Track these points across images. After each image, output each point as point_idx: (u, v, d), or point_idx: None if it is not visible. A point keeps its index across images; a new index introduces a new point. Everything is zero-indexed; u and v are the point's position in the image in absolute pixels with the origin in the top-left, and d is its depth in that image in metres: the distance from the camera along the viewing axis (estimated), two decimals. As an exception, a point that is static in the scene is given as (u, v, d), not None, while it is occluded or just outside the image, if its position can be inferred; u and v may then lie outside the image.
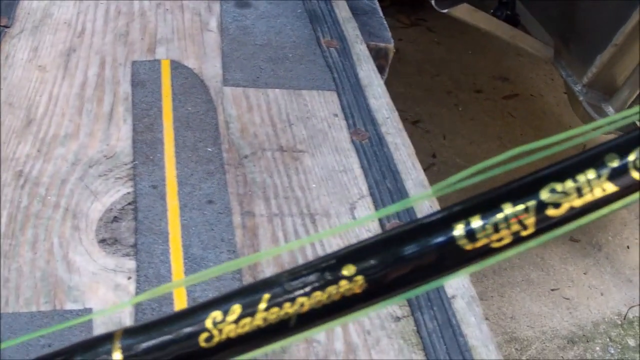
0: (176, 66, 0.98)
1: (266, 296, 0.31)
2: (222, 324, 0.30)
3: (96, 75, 0.96)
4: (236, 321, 0.30)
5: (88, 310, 0.69)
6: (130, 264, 0.74)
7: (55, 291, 0.70)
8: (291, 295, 0.31)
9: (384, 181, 0.84)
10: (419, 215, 0.80)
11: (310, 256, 0.75)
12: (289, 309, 0.30)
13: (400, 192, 0.82)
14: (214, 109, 0.92)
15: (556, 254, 1.92)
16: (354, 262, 0.30)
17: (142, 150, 0.85)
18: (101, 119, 0.90)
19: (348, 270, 0.30)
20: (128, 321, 0.69)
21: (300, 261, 0.74)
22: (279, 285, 0.31)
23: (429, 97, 2.32)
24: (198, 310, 0.31)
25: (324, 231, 0.72)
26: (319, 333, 0.55)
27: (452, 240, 0.29)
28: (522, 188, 0.29)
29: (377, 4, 1.23)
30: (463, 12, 1.46)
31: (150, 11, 1.09)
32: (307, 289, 0.31)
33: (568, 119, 2.24)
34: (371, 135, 0.91)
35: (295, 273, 0.31)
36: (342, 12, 1.15)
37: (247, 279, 0.73)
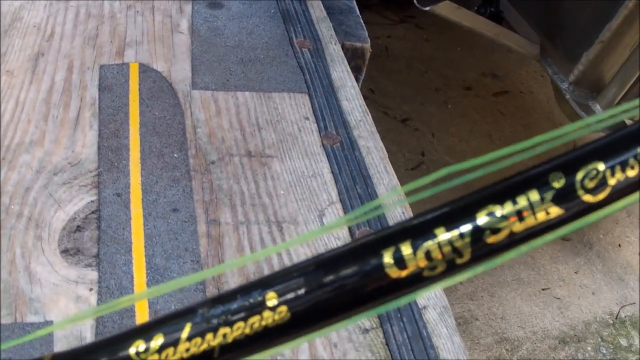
0: (144, 70, 0.96)
1: (188, 326, 0.29)
2: (145, 353, 0.29)
3: (63, 80, 0.94)
4: (158, 351, 0.29)
5: (49, 323, 0.68)
6: (92, 274, 0.72)
7: (17, 303, 0.69)
8: (212, 326, 0.29)
9: (354, 186, 0.82)
10: (390, 221, 0.77)
11: (277, 265, 0.73)
12: (211, 340, 0.28)
13: (371, 197, 0.80)
14: (181, 113, 0.90)
15: (547, 253, 1.90)
16: (278, 290, 0.28)
17: (107, 157, 0.83)
18: (67, 125, 0.87)
19: (271, 299, 0.28)
20: (89, 334, 0.67)
21: (266, 271, 0.72)
22: (200, 314, 0.29)
23: (418, 94, 2.30)
24: (123, 338, 0.29)
25: (290, 240, 0.69)
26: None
27: (380, 267, 0.27)
28: (457, 211, 0.26)
29: (354, 3, 1.20)
30: (446, 9, 1.43)
31: (121, 13, 1.07)
32: (229, 319, 0.28)
33: (558, 115, 2.21)
34: (342, 139, 0.88)
35: (218, 301, 0.29)
36: (317, 11, 1.12)
37: (211, 290, 0.71)
